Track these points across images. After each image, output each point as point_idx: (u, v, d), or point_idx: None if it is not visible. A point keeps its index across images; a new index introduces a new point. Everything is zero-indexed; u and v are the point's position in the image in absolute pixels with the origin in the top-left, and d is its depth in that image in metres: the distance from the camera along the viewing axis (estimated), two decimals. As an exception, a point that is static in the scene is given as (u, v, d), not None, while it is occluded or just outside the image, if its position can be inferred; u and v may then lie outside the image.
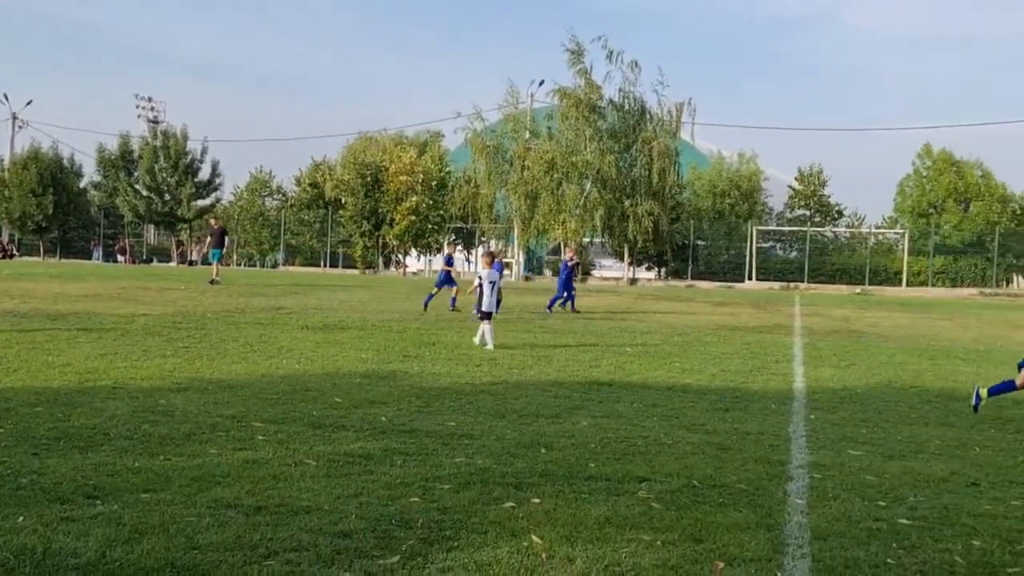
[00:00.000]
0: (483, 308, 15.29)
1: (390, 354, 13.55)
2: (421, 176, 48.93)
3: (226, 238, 33.14)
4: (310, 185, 58.36)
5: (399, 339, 15.59)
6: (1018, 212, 52.87)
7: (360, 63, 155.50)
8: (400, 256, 53.70)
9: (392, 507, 5.79)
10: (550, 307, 23.21)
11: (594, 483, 6.54)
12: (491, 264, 16.22)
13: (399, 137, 54.49)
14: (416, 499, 5.97)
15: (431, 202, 49.37)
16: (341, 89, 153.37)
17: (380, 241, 51.15)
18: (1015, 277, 52.19)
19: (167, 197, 59.02)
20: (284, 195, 63.87)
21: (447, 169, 52.21)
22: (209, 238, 33.55)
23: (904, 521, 5.87)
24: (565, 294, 23.34)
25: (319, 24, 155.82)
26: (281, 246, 59.98)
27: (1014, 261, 50.43)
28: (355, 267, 51.72)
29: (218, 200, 62.28)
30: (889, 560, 5.12)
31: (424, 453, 7.28)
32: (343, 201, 52.45)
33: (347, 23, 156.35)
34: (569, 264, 24.02)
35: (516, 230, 47.93)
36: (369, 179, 49.98)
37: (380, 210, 49.94)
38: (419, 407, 9.34)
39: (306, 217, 59.28)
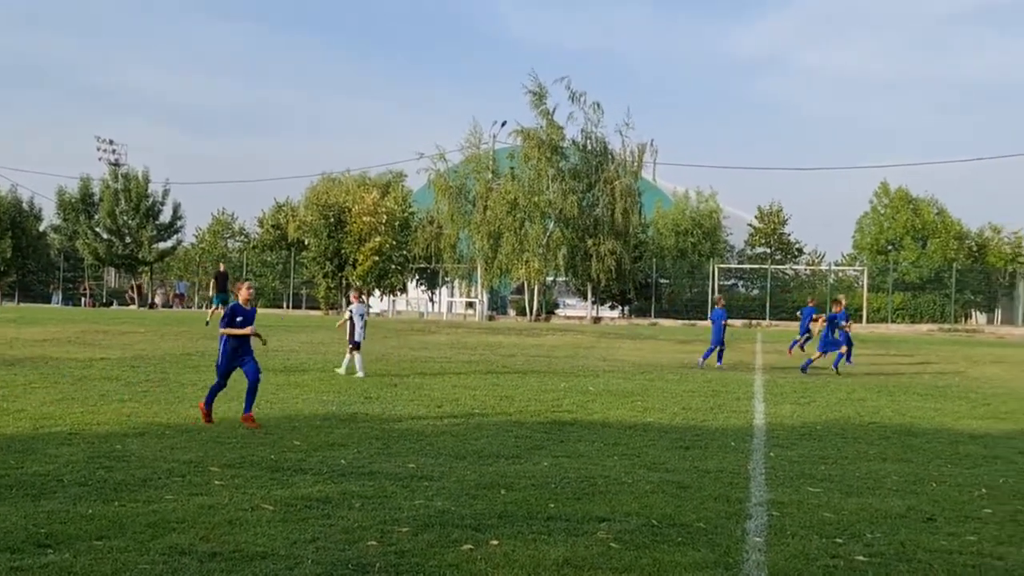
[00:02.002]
0: (355, 339, 16.49)
1: (351, 396, 13.47)
2: (384, 216, 48.89)
3: (225, 285, 33.38)
4: (273, 226, 58.10)
5: (361, 381, 15.50)
6: (974, 249, 53.83)
7: (322, 104, 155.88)
8: (363, 297, 53.60)
9: (349, 551, 5.74)
10: (710, 360, 20.40)
11: (554, 524, 6.53)
12: (358, 299, 17.58)
13: (362, 178, 54.49)
14: (374, 543, 5.93)
15: (394, 242, 49.30)
16: (303, 130, 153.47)
17: (343, 282, 50.97)
18: (973, 312, 53.01)
19: (128, 240, 58.50)
20: (247, 236, 63.53)
21: (410, 209, 52.23)
22: (213, 281, 34.09)
23: (861, 558, 5.91)
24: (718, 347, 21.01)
25: (279, 65, 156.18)
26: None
27: (971, 297, 51.24)
28: (318, 308, 51.43)
29: (179, 242, 61.83)
30: (845, 597, 5.15)
31: (383, 496, 7.24)
32: (306, 242, 52.26)
33: (306, 63, 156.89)
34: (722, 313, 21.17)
35: (479, 270, 48.00)
36: (332, 220, 49.88)
37: (343, 251, 49.79)
38: (379, 449, 9.29)
39: (269, 258, 58.98)
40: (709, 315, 22.33)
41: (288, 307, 55.62)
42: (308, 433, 10.09)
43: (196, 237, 64.74)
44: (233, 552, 5.65)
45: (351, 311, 16.99)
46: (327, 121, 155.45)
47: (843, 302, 21.03)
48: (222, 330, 10.69)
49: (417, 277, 53.79)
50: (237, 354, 10.81)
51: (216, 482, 7.53)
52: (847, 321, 21.48)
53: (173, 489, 7.25)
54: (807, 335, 24.38)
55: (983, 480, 8.57)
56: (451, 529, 6.31)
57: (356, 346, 16.50)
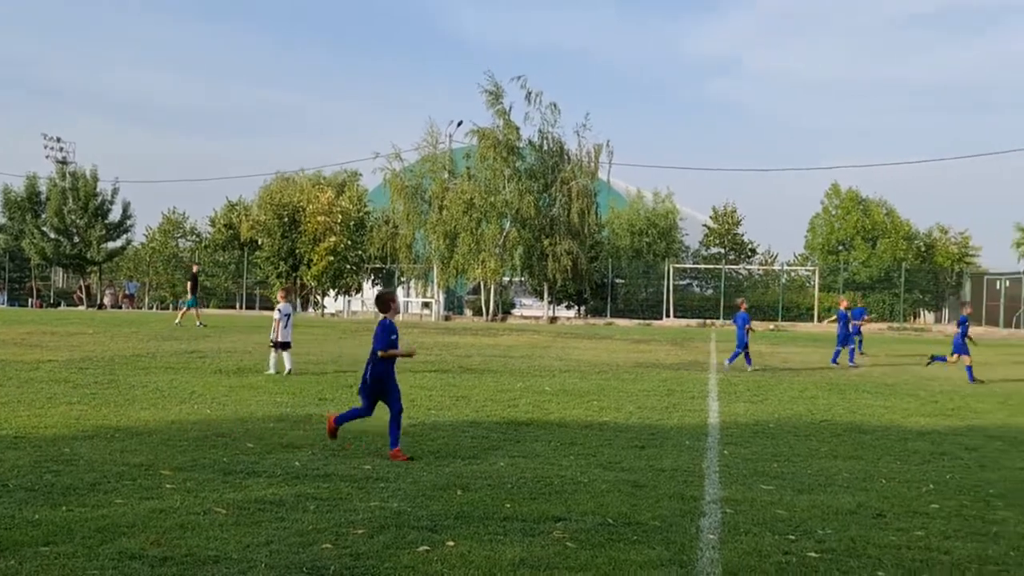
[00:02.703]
0: (280, 339, 16.71)
1: (306, 397, 13.36)
2: (339, 216, 48.55)
3: (196, 285, 33.67)
4: (225, 226, 57.40)
5: (316, 382, 15.39)
6: (922, 249, 54.84)
7: (275, 102, 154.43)
8: (318, 297, 53.10)
9: (303, 554, 5.69)
10: (737, 362, 20.61)
11: (510, 524, 6.53)
12: (285, 298, 17.72)
13: (317, 177, 54.06)
14: (328, 545, 5.88)
15: (349, 242, 48.99)
16: (256, 128, 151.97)
17: (298, 282, 50.55)
18: (921, 312, 53.98)
19: (76, 239, 57.47)
20: (198, 236, 62.71)
21: (366, 209, 51.94)
22: (188, 283, 34.26)
23: (813, 554, 5.99)
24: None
25: (231, 62, 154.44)
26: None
27: (920, 296, 52.18)
28: (272, 309, 50.96)
29: (129, 242, 60.87)
30: (797, 593, 5.21)
31: (338, 498, 7.19)
32: (259, 242, 51.72)
33: (259, 61, 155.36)
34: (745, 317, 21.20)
35: (436, 270, 47.90)
36: (286, 219, 49.45)
37: (297, 251, 49.37)
38: (334, 451, 9.22)
39: (221, 258, 58.29)
40: (732, 319, 22.62)
41: (241, 308, 55.05)
42: (262, 435, 9.99)
43: (146, 237, 63.76)
44: (185, 556, 5.58)
45: (279, 310, 17.11)
46: (281, 119, 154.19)
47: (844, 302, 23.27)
48: (383, 353, 9.15)
49: (373, 277, 53.50)
50: (391, 378, 9.35)
51: (167, 485, 7.43)
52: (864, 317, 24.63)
53: (123, 493, 7.14)
54: (859, 337, 24.91)
55: (930, 476, 8.72)
56: (407, 530, 6.28)
57: (282, 345, 16.68)
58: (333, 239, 48.00)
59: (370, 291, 54.08)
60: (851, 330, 23.18)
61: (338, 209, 48.69)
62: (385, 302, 9.49)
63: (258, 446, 9.32)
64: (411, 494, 7.36)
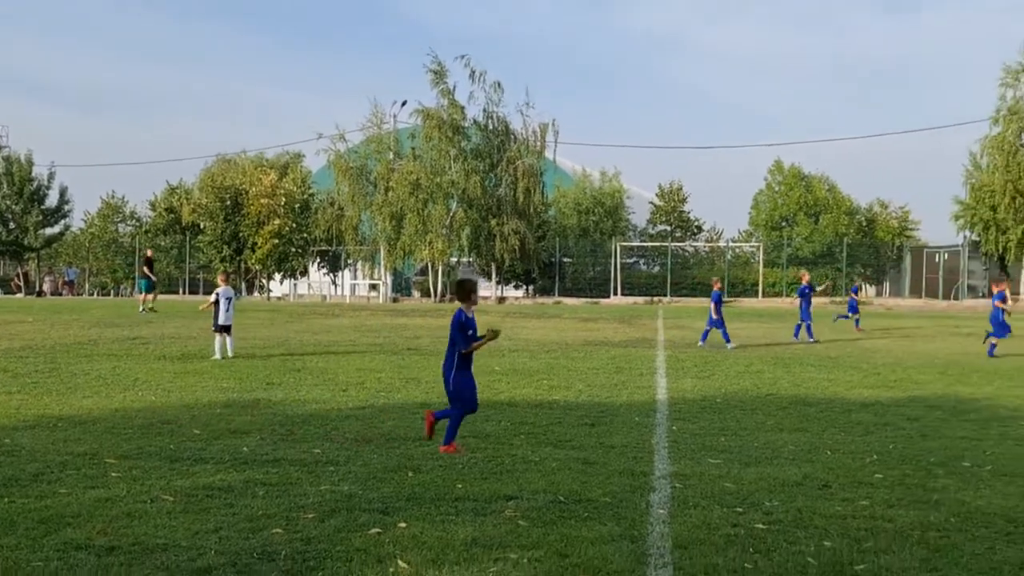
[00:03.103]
0: (220, 322, 16.63)
1: (253, 382, 13.22)
2: (283, 199, 47.98)
3: (152, 268, 33.33)
4: (166, 210, 56.37)
5: (263, 366, 15.23)
6: (864, 224, 55.81)
7: (215, 83, 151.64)
8: (264, 281, 52.51)
9: (253, 540, 5.64)
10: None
11: (461, 504, 6.53)
12: (226, 282, 17.55)
13: (259, 159, 53.33)
14: (279, 530, 5.83)
15: (294, 225, 48.47)
16: (196, 110, 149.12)
17: (242, 266, 49.90)
18: (863, 285, 54.99)
19: (12, 225, 56.11)
20: (138, 221, 61.51)
21: (310, 191, 51.41)
22: (143, 267, 33.81)
23: (760, 526, 6.08)
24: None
25: (169, 42, 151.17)
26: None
27: (861, 270, 53.13)
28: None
29: (67, 228, 59.58)
30: (747, 565, 5.29)
31: (288, 483, 7.13)
32: (202, 226, 50.94)
33: (198, 41, 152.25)
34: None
35: (382, 251, 47.60)
36: (228, 202, 48.75)
37: (241, 234, 48.72)
38: (283, 435, 9.14)
39: (162, 243, 57.30)
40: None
41: (184, 293, 54.22)
42: (208, 421, 9.86)
43: (85, 222, 62.42)
44: (132, 545, 5.49)
45: (218, 293, 16.94)
46: (221, 101, 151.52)
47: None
48: (466, 351, 8.53)
49: (318, 260, 53.02)
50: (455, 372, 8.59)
51: (113, 474, 7.30)
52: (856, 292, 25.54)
53: (67, 483, 7.00)
54: (856, 314, 26.20)
55: (874, 447, 8.90)
56: (358, 513, 6.25)
57: (224, 329, 16.61)
58: (277, 222, 47.46)
59: (316, 274, 53.61)
60: (848, 304, 25.09)
61: (282, 191, 48.13)
62: (467, 291, 8.75)
63: (205, 432, 9.20)
64: (362, 477, 7.33)
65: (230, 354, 16.42)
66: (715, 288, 21.70)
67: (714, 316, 20.60)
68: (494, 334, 8.67)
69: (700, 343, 20.45)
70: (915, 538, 5.86)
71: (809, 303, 22.32)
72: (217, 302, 16.79)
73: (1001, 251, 45.01)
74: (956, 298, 46.62)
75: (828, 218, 53.34)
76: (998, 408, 11.54)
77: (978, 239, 46.53)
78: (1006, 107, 44.94)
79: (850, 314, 26.31)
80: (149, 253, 35.26)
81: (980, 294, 48.35)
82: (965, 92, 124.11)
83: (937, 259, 50.36)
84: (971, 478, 7.59)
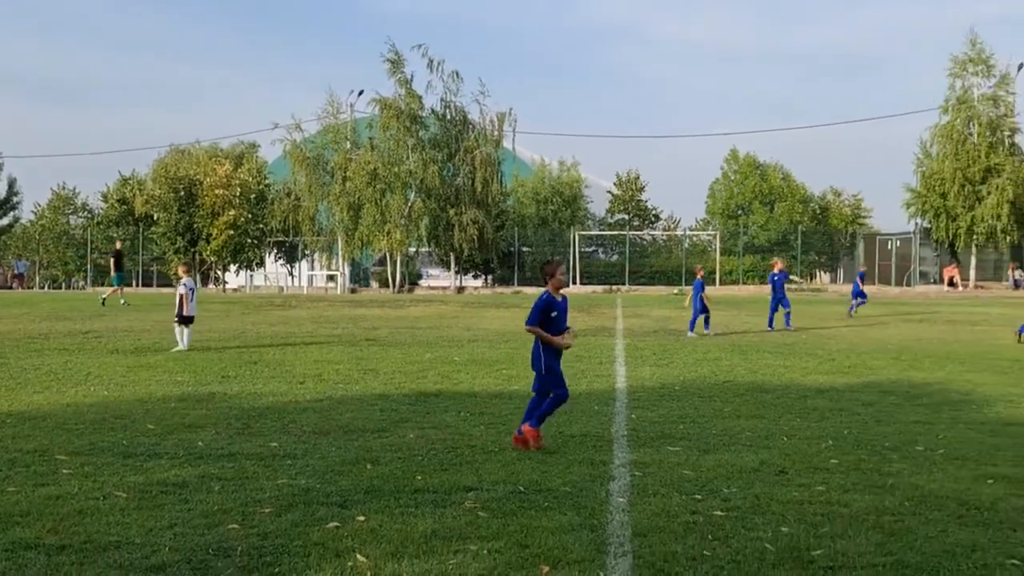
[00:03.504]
0: (187, 313, 16.65)
1: (208, 375, 13.04)
2: (238, 189, 47.46)
3: (121, 262, 32.96)
4: (118, 201, 55.47)
5: (218, 359, 15.04)
6: (817, 212, 56.46)
7: (168, 72, 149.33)
8: (219, 272, 51.90)
9: (209, 536, 5.56)
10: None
11: (421, 496, 6.49)
12: (188, 272, 17.81)
13: (214, 149, 52.66)
14: (235, 526, 5.75)
15: (250, 216, 47.97)
16: (149, 100, 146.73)
17: (197, 258, 49.28)
18: (817, 272, 55.65)
19: (-41, 218, 55.01)
20: (90, 212, 60.46)
21: (266, 181, 50.86)
22: (112, 260, 33.40)
23: (719, 513, 6.11)
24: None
25: (120, 30, 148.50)
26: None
27: (816, 258, 53.78)
28: (171, 285, 49.56)
29: (17, 220, 58.42)
30: (705, 552, 5.31)
31: (244, 477, 7.03)
32: (155, 217, 50.22)
33: (151, 28, 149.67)
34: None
35: (340, 242, 47.26)
36: (182, 193, 48.09)
37: (196, 225, 48.11)
38: (239, 429, 9.02)
39: (115, 235, 56.36)
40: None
41: (138, 285, 53.44)
42: (162, 416, 9.71)
43: (35, 214, 61.25)
44: (84, 543, 5.38)
45: (184, 284, 17.05)
46: (174, 91, 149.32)
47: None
48: (530, 328, 8.25)
49: (275, 251, 52.50)
50: (539, 359, 8.29)
51: (64, 471, 7.15)
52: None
53: (16, 481, 6.85)
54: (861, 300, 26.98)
55: (829, 432, 9.00)
56: (316, 507, 6.19)
57: (187, 320, 16.64)
58: (232, 212, 46.94)
59: (272, 265, 53.10)
60: (853, 292, 26.27)
61: (237, 182, 47.58)
62: (547, 272, 8.48)
63: (159, 427, 9.06)
64: (320, 470, 7.25)
65: (185, 346, 16.30)
66: (699, 276, 21.56)
67: (697, 304, 20.57)
68: (566, 345, 8.36)
69: (705, 331, 20.37)
70: (870, 522, 5.93)
71: (782, 290, 22.09)
72: (183, 294, 16.85)
73: (951, 238, 45.81)
74: (908, 284, 47.37)
75: (783, 206, 53.89)
76: (950, 393, 11.73)
77: (929, 226, 47.31)
78: (955, 97, 45.72)
79: (855, 300, 26.96)
80: (118, 246, 34.78)
81: (931, 280, 49.19)
82: (917, 82, 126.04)
83: (889, 246, 51.13)
84: (924, 462, 7.70)
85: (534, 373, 8.37)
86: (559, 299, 8.32)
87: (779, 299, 21.99)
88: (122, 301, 30.82)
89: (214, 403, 10.61)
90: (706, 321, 20.62)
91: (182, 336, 16.52)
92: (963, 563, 5.19)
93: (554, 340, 8.22)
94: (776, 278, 22.27)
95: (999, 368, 14.16)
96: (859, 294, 26.84)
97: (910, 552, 5.36)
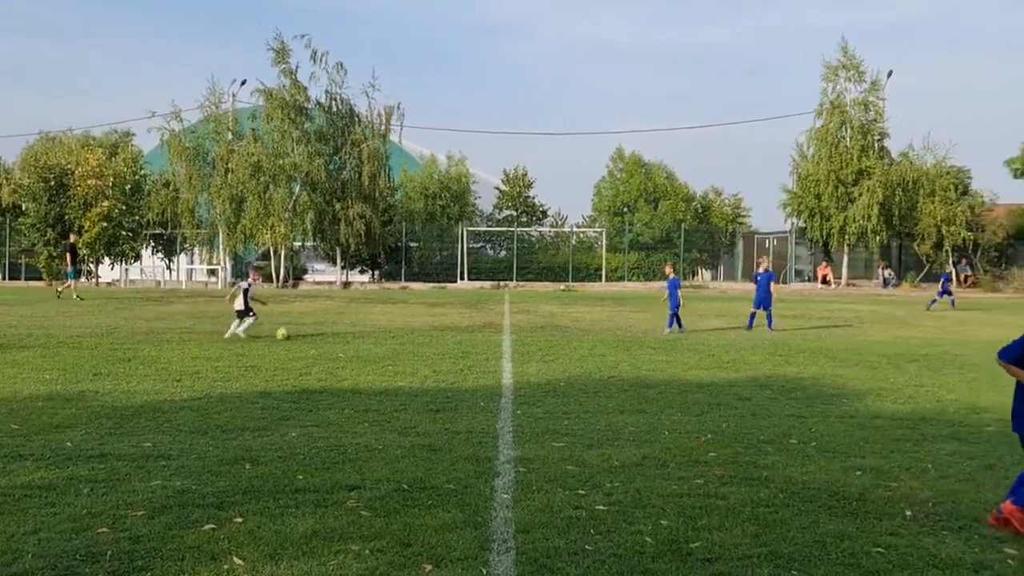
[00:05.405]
0: (241, 307, 17.94)
1: (79, 373, 12.50)
2: (112, 179, 45.69)
3: (76, 256, 31.99)
4: (-17, 190, 52.78)
5: (89, 356, 14.43)
6: (699, 210, 57.87)
7: (36, 54, 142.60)
8: (91, 266, 49.86)
9: (77, 541, 5.32)
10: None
11: (302, 496, 6.36)
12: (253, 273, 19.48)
13: (86, 137, 50.59)
14: (105, 530, 5.52)
15: (124, 207, 46.26)
16: (15, 84, 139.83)
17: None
18: (699, 270, 57.06)
19: None
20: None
21: (142, 172, 49.11)
22: (67, 254, 32.60)
23: (601, 507, 6.18)
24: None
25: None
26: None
27: (698, 255, 55.12)
28: (40, 278, 47.44)
29: None
30: (587, 546, 5.36)
31: (115, 479, 6.76)
32: (23, 207, 47.95)
33: (17, 7, 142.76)
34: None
35: (222, 235, 46.01)
36: (53, 183, 46.03)
37: (67, 216, 46.13)
38: (111, 429, 8.67)
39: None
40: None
41: (4, 278, 50.96)
42: (28, 415, 9.25)
43: None
44: (-63, 553, 5.08)
45: (249, 282, 18.58)
46: (44, 75, 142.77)
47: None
48: (1005, 365, 5.91)
49: (152, 244, 50.76)
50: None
51: (-84, 476, 6.74)
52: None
53: None
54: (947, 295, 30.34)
55: (708, 426, 9.21)
56: (191, 509, 5.99)
57: (246, 312, 18.00)
58: (106, 204, 45.17)
59: (149, 259, 51.36)
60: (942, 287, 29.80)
61: (110, 172, 45.82)
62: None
63: (24, 427, 8.63)
64: (196, 471, 7.03)
65: (241, 333, 17.59)
66: (670, 276, 21.17)
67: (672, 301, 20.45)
68: None
69: (667, 330, 20.22)
70: (746, 514, 6.09)
71: (767, 289, 21.33)
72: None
73: (825, 237, 47.63)
74: (784, 282, 49.02)
75: (667, 204, 55.02)
76: (822, 387, 12.17)
77: (804, 226, 49.08)
78: (828, 101, 47.52)
79: (939, 297, 30.29)
80: (72, 239, 33.29)
81: (806, 278, 51.06)
82: (795, 86, 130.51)
83: (767, 244, 52.85)
84: (797, 455, 7.95)
85: (1016, 435, 6.21)
86: None
87: (761, 299, 21.39)
88: (75, 296, 29.89)
89: (84, 402, 10.18)
90: (673, 320, 20.54)
91: (239, 326, 17.69)
92: (832, 552, 5.38)
93: None
94: (760, 277, 21.77)
95: (868, 363, 14.77)
96: (946, 292, 30.49)
97: (783, 543, 5.52)
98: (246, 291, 18.22)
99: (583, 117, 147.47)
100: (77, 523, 5.67)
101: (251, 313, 18.06)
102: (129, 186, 47.06)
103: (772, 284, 21.96)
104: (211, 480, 6.75)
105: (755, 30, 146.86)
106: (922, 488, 6.86)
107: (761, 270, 22.08)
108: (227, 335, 17.58)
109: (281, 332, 17.80)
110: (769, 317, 21.26)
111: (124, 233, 47.16)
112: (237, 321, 17.93)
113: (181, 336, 17.88)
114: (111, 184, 45.63)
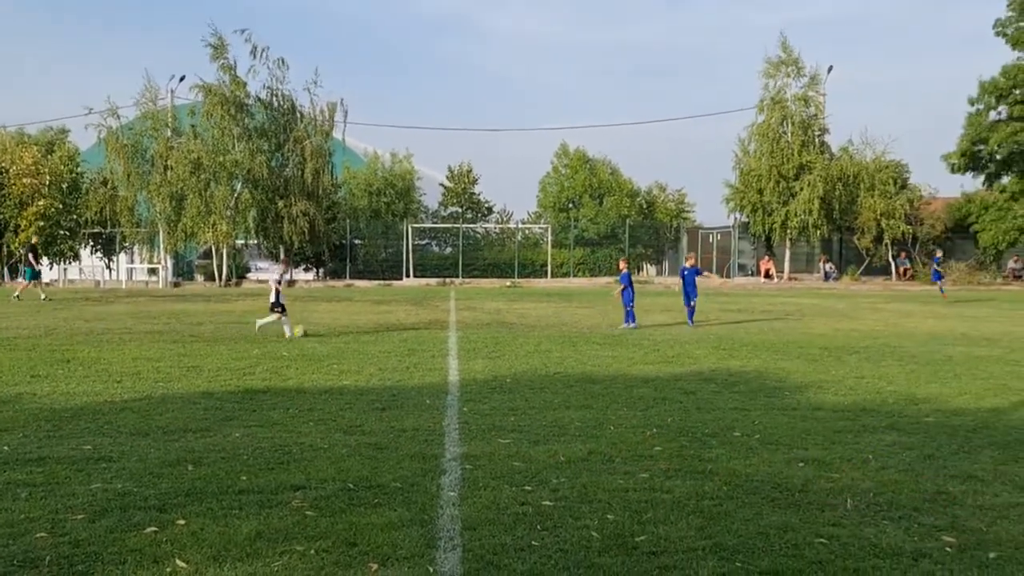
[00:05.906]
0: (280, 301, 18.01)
1: (15, 375, 12.22)
2: (48, 178, 44.70)
3: (37, 256, 31.70)
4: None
5: (27, 358, 14.11)
6: (644, 206, 58.38)
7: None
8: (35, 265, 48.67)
9: (14, 546, 5.22)
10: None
11: (246, 497, 6.30)
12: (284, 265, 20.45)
13: (20, 135, 49.43)
14: (43, 534, 5.43)
15: (61, 206, 45.28)
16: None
17: (4, 250, 46.13)
18: (644, 265, 57.58)
19: None
20: None
21: (79, 170, 48.08)
22: (28, 254, 31.80)
23: (547, 503, 6.21)
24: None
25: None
26: None
27: (643, 250, 55.60)
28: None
29: None
30: (534, 542, 5.39)
31: (54, 482, 6.64)
32: (-45, 207, 46.70)
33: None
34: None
35: (162, 234, 45.26)
36: (-14, 182, 44.90)
37: (2, 216, 45.04)
38: (49, 431, 8.50)
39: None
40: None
41: (-63, 279, 49.54)
42: (-38, 420, 9.03)
43: None
44: None
45: (282, 276, 19.14)
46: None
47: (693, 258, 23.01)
48: None
49: (91, 243, 49.76)
50: None
51: None
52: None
53: None
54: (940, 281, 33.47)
55: (654, 420, 9.30)
56: (133, 512, 5.90)
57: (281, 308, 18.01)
58: (42, 203, 44.17)
59: (88, 258, 50.34)
60: (933, 273, 33.04)
61: (46, 170, 44.80)
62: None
63: (-42, 432, 8.41)
64: (137, 473, 6.92)
65: (291, 333, 17.62)
66: (623, 270, 21.20)
67: (627, 296, 20.48)
68: None
69: (625, 325, 20.24)
70: (691, 507, 6.17)
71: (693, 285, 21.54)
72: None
73: (767, 231, 48.34)
74: (728, 276, 49.65)
75: (612, 200, 55.40)
76: (765, 380, 12.36)
77: (747, 220, 49.75)
78: (769, 97, 48.22)
79: (936, 280, 33.42)
80: (35, 240, 32.46)
81: (749, 272, 51.79)
82: (737, 82, 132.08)
83: (711, 239, 53.49)
84: (741, 447, 8.07)
85: None
86: None
87: (688, 295, 21.51)
88: (42, 296, 29.39)
89: (22, 404, 9.96)
90: (630, 315, 20.52)
91: (286, 323, 17.69)
92: (776, 543, 5.48)
93: None
94: (687, 272, 21.83)
95: (809, 356, 15.03)
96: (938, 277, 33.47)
97: (728, 535, 5.60)
98: (278, 282, 18.36)
99: (528, 113, 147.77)
100: (14, 528, 5.55)
101: (280, 309, 17.88)
102: (66, 184, 46.09)
103: (699, 278, 22.25)
104: (153, 482, 6.66)
105: (696, 25, 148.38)
106: (863, 478, 7.00)
107: (688, 265, 22.23)
108: (287, 336, 17.41)
109: (298, 330, 17.80)
110: (691, 312, 21.40)
111: (62, 232, 46.18)
112: (283, 318, 17.80)
113: (121, 336, 17.56)
114: (47, 183, 44.64)
